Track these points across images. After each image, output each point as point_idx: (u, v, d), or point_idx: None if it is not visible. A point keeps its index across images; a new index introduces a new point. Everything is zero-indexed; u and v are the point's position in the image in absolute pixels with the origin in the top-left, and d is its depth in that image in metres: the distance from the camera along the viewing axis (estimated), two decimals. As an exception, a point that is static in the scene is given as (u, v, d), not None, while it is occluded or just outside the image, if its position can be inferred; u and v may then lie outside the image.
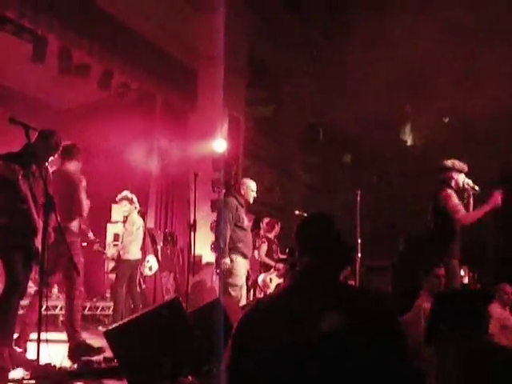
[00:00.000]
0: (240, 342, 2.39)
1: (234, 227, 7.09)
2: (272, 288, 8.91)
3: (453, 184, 6.62)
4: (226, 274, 7.01)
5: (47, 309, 7.85)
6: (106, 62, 9.50)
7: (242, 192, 7.37)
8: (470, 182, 6.66)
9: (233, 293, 7.04)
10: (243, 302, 7.04)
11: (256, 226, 10.11)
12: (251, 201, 7.46)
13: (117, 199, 8.67)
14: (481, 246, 8.28)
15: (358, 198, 8.06)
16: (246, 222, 7.30)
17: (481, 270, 8.85)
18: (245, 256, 7.22)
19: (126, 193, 8.63)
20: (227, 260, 6.95)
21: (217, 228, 7.36)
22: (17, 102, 10.24)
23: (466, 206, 6.60)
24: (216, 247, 7.50)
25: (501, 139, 12.42)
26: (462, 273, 8.06)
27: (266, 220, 10.23)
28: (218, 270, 7.21)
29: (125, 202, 8.57)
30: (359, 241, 8.00)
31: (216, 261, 7.64)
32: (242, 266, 7.15)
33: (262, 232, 10.05)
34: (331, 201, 16.45)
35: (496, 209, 6.32)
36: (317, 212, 2.72)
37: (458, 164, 6.70)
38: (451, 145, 13.14)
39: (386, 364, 2.23)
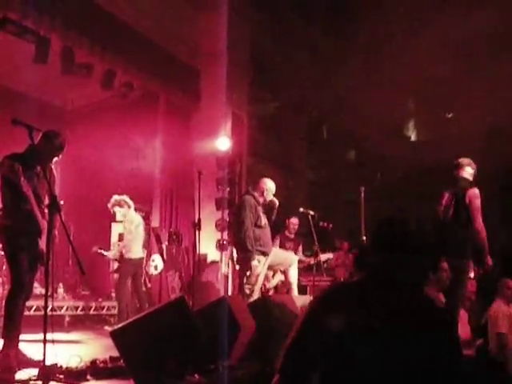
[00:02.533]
0: (315, 317, 2.51)
1: (253, 226, 7.12)
2: (273, 282, 8.90)
3: (472, 179, 6.68)
4: (244, 272, 7.06)
5: (53, 309, 7.88)
6: (108, 61, 9.49)
7: (265, 193, 7.40)
8: None
9: (247, 291, 7.08)
10: (255, 297, 7.03)
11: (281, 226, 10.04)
12: (267, 201, 7.49)
13: (109, 207, 8.63)
14: (488, 240, 8.24)
15: (362, 195, 8.05)
16: (264, 221, 7.32)
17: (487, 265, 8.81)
18: (264, 254, 7.25)
19: (113, 199, 8.60)
20: (255, 262, 7.00)
21: (236, 227, 7.34)
22: (20, 103, 10.24)
23: None
24: (237, 246, 7.49)
25: (504, 136, 12.39)
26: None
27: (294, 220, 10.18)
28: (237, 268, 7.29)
29: (116, 208, 8.56)
30: (364, 238, 7.98)
31: (237, 260, 7.64)
32: (260, 264, 7.18)
33: (287, 233, 10.04)
34: (335, 198, 16.45)
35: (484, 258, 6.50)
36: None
37: (471, 161, 6.84)
38: (455, 140, 13.11)
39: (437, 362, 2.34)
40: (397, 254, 2.53)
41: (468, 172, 6.78)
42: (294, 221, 10.04)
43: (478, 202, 6.42)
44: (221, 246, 10.46)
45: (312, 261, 9.77)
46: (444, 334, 2.44)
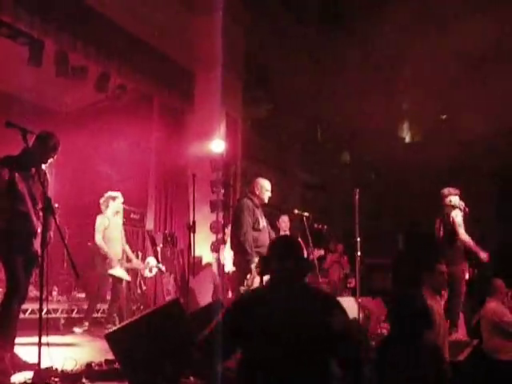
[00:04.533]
0: (231, 317, 3.46)
1: (252, 230, 7.06)
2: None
3: (453, 204, 8.19)
4: (241, 274, 7.03)
5: (48, 312, 7.87)
6: (102, 64, 9.48)
7: (257, 192, 7.31)
8: (462, 203, 8.24)
9: (243, 292, 7.06)
10: None
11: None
12: (266, 200, 7.38)
13: (101, 202, 8.55)
14: (481, 242, 8.33)
15: (357, 197, 8.06)
16: (262, 223, 7.26)
17: (481, 266, 8.88)
18: (261, 255, 7.20)
19: (107, 195, 8.55)
20: (254, 266, 6.96)
21: (235, 230, 7.29)
22: (14, 105, 10.23)
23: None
24: (235, 249, 7.44)
25: (498, 138, 12.44)
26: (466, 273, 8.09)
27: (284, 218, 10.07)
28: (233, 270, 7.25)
29: (111, 202, 8.48)
30: (358, 239, 7.99)
31: (234, 263, 7.61)
32: (256, 265, 7.13)
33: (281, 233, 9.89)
34: (330, 200, 16.49)
35: (479, 258, 8.02)
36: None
37: (452, 190, 8.35)
38: (448, 142, 13.17)
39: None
40: (289, 260, 3.52)
41: (449, 199, 8.26)
42: (285, 218, 9.93)
43: (458, 220, 8.02)
44: (215, 248, 10.43)
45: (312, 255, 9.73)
46: (326, 305, 3.42)
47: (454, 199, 8.24)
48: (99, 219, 8.31)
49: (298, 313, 3.35)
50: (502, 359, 6.63)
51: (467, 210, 8.24)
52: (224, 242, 10.04)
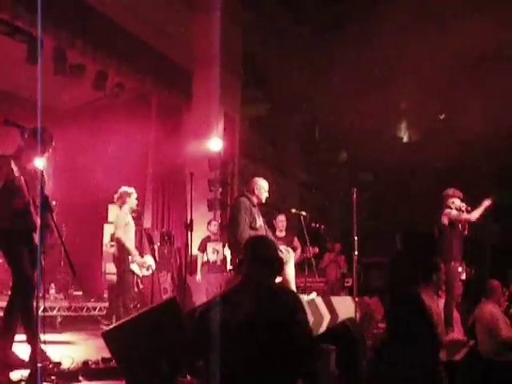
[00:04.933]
0: (204, 320, 3.60)
1: (249, 228, 7.05)
2: None
3: (453, 207, 8.17)
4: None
5: (45, 310, 7.87)
6: (100, 62, 9.47)
7: (256, 192, 7.30)
8: (464, 205, 8.20)
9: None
10: None
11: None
12: (264, 200, 7.38)
13: (116, 198, 8.32)
14: (478, 242, 8.37)
15: (355, 196, 8.06)
16: (259, 222, 7.25)
17: (478, 265, 8.92)
18: None
19: (122, 190, 8.36)
20: None
21: (231, 229, 7.28)
22: (12, 103, 10.23)
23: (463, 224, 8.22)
24: (232, 248, 7.42)
25: (496, 138, 12.45)
26: (460, 269, 8.09)
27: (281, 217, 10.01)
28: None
29: (127, 198, 8.24)
30: (356, 238, 8.00)
31: (231, 261, 7.60)
32: None
33: (277, 232, 9.81)
34: (327, 199, 16.49)
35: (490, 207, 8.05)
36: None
37: (457, 192, 8.30)
38: (446, 142, 13.18)
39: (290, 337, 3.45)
40: (257, 263, 3.68)
41: (451, 201, 8.21)
42: (281, 217, 9.90)
43: (454, 213, 8.07)
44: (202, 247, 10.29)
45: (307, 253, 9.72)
46: (291, 306, 3.55)
47: (457, 201, 8.24)
48: (120, 215, 7.99)
49: (262, 314, 3.48)
50: (498, 360, 6.63)
51: (470, 211, 8.21)
52: (210, 240, 10.03)
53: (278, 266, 3.97)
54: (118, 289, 8.01)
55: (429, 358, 4.41)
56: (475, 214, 8.01)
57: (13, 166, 4.95)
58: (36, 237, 5.05)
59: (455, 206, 8.20)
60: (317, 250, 10.31)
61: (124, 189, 8.15)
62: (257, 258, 3.74)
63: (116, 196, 8.12)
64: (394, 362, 4.33)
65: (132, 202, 8.13)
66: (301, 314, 3.59)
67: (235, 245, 7.15)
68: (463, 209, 8.20)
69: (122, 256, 7.89)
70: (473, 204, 8.25)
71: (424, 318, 4.53)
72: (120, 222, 7.90)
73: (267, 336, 3.42)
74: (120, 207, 8.06)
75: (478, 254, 8.41)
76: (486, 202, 8.05)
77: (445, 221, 8.09)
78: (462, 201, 8.26)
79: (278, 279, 8.40)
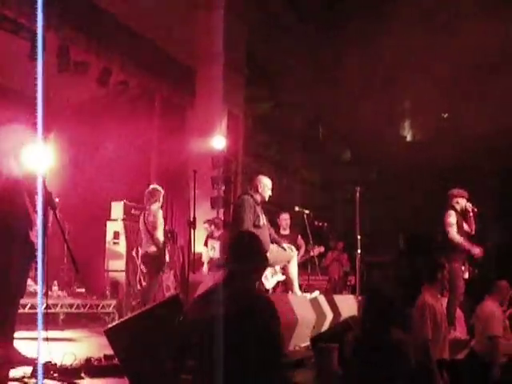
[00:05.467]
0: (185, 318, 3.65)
1: (252, 227, 7.04)
2: (272, 282, 8.87)
3: (458, 208, 8.13)
4: None
5: (47, 307, 7.86)
6: (104, 59, 9.48)
7: (260, 190, 7.29)
8: (470, 205, 8.18)
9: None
10: None
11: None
12: (267, 199, 7.36)
13: (149, 195, 8.07)
14: (481, 240, 8.35)
15: (358, 195, 8.06)
16: (263, 221, 7.24)
17: (481, 264, 8.90)
18: None
19: (153, 187, 8.27)
20: None
21: (235, 227, 7.26)
22: (16, 100, 10.21)
23: (469, 224, 8.19)
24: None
25: (500, 137, 12.43)
26: (463, 268, 8.07)
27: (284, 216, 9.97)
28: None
29: (159, 195, 8.16)
30: (359, 237, 7.99)
31: None
32: None
33: (281, 230, 9.76)
34: (331, 197, 16.48)
35: (472, 254, 7.99)
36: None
37: (462, 192, 8.26)
38: (450, 141, 13.15)
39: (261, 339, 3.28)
40: (236, 262, 3.54)
41: (456, 200, 8.18)
42: (285, 216, 9.90)
43: (449, 220, 7.97)
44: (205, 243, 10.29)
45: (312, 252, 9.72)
46: (263, 310, 3.36)
47: (462, 201, 8.20)
48: (158, 214, 7.97)
49: (234, 316, 3.30)
50: (491, 361, 6.58)
51: (476, 211, 8.22)
52: (213, 237, 10.02)
53: (263, 265, 3.81)
54: (149, 290, 8.02)
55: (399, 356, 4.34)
56: (455, 238, 7.89)
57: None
58: (32, 235, 5.02)
59: (460, 206, 8.16)
60: (322, 249, 10.32)
61: (155, 186, 8.14)
62: (241, 256, 3.58)
63: (148, 193, 8.05)
64: (366, 361, 4.29)
65: (161, 199, 8.09)
66: (274, 324, 3.40)
67: None
68: (469, 209, 8.18)
69: (162, 257, 7.96)
70: (475, 204, 8.25)
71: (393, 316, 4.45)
72: (160, 223, 7.91)
73: (237, 340, 3.28)
74: (150, 204, 7.99)
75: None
76: (475, 250, 7.94)
77: (447, 220, 8.01)
78: (468, 201, 8.23)
79: (281, 278, 8.44)
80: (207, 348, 3.31)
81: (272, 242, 7.51)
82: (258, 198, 7.25)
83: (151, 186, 8.28)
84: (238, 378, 3.28)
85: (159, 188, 8.14)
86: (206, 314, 3.40)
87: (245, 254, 3.58)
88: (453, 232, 7.94)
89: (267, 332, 3.32)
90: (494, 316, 6.80)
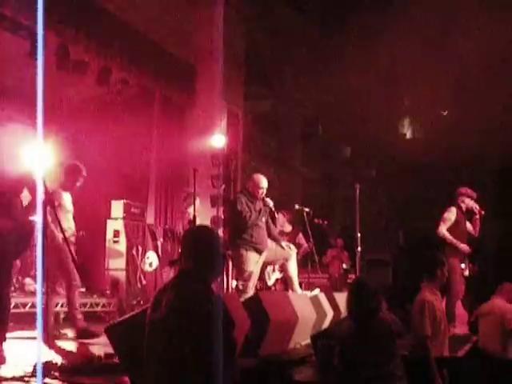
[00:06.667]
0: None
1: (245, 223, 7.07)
2: (271, 280, 8.89)
3: (463, 206, 8.12)
4: (237, 269, 7.05)
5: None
6: (103, 58, 9.45)
7: (250, 189, 7.31)
8: (476, 206, 8.13)
9: (240, 287, 7.07)
10: (250, 293, 6.98)
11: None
12: (259, 197, 7.36)
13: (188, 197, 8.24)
14: (481, 237, 8.35)
15: (358, 192, 8.07)
16: (260, 219, 7.24)
17: (481, 261, 8.92)
18: (258, 251, 7.20)
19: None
20: (242, 251, 6.99)
21: (226, 224, 7.32)
22: (14, 99, 10.20)
23: (474, 225, 8.23)
24: (230, 244, 7.44)
25: (500, 135, 12.43)
26: (463, 265, 8.08)
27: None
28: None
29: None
30: (359, 234, 8.00)
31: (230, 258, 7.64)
32: (252, 260, 7.12)
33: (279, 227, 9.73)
34: (331, 195, 16.48)
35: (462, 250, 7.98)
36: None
37: (470, 192, 8.24)
38: (450, 138, 13.15)
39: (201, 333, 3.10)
40: (189, 261, 3.30)
41: (461, 199, 8.14)
42: (285, 214, 9.93)
43: (445, 216, 7.99)
44: None
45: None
46: (215, 314, 3.13)
47: (468, 201, 8.18)
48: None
49: (171, 320, 3.15)
50: (500, 358, 6.61)
51: (482, 213, 8.19)
52: None
53: (220, 263, 3.52)
54: None
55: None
56: (441, 233, 7.94)
57: None
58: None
59: (465, 206, 8.13)
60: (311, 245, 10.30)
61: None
62: (196, 252, 3.30)
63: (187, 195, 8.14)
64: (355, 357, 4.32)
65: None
66: (226, 331, 3.21)
67: (233, 241, 7.22)
68: (476, 211, 8.15)
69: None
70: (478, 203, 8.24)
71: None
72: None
73: (174, 339, 3.13)
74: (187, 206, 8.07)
75: (482, 251, 8.37)
76: (462, 246, 7.96)
77: (443, 215, 8.03)
78: (476, 201, 8.21)
79: (279, 275, 8.46)
80: (147, 353, 3.29)
81: (271, 240, 7.54)
82: (254, 195, 7.28)
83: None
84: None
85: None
86: (150, 316, 3.30)
87: (200, 251, 3.31)
88: (441, 226, 7.95)
89: (212, 334, 3.09)
90: (507, 311, 6.84)
